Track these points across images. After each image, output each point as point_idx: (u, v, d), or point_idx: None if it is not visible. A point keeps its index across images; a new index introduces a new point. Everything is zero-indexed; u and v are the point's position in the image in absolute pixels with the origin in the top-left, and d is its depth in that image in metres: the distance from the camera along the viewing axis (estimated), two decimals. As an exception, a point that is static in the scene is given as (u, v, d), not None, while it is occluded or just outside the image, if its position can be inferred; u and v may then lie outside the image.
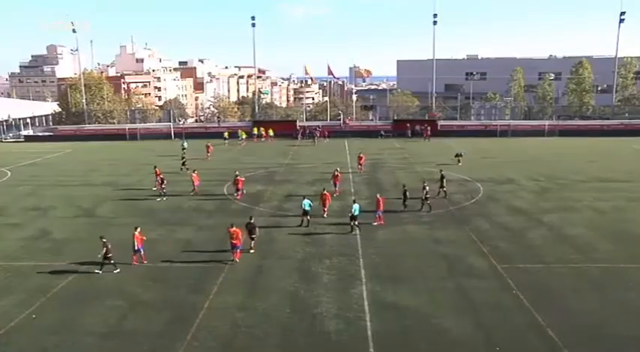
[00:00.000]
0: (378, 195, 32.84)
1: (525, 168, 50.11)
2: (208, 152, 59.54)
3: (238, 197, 38.79)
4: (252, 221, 27.83)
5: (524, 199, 37.97)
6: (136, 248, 25.94)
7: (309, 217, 31.53)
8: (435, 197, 36.81)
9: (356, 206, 30.62)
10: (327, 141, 73.44)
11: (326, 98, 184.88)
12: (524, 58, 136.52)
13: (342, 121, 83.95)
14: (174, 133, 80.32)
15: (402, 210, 34.42)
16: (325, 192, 33.99)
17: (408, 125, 77.50)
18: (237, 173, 40.43)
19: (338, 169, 40.99)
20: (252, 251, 27.11)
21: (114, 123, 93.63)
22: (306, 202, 31.30)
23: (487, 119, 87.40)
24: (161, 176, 40.36)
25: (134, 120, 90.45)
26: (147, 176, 47.35)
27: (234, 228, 26.24)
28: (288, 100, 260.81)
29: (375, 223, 31.66)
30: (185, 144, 53.48)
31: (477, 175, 46.53)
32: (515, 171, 48.27)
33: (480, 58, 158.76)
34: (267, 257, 26.88)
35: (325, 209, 33.35)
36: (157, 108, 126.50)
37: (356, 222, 30.32)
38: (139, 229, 26.37)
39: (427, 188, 34.77)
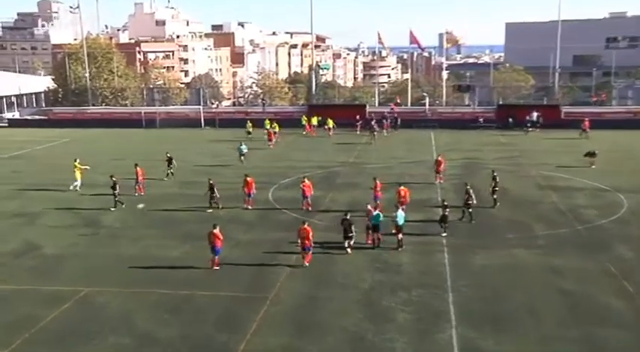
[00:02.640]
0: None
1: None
2: (270, 140, 64.96)
3: (248, 205, 39.54)
4: (347, 217, 30.88)
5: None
6: (217, 248, 28.47)
7: (380, 235, 31.80)
8: (492, 206, 38.76)
9: (400, 214, 31.51)
10: (395, 133, 73.38)
11: (406, 75, 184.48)
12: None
13: (391, 106, 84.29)
14: (204, 120, 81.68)
15: (461, 221, 35.46)
16: (369, 206, 33.57)
17: (515, 113, 76.81)
18: (246, 176, 40.44)
19: (375, 179, 39.77)
20: (349, 250, 30.53)
21: (126, 105, 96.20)
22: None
23: (637, 104, 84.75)
24: (212, 185, 40.02)
25: (152, 102, 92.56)
26: (166, 173, 48.82)
27: (305, 226, 29.18)
28: (355, 78, 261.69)
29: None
30: (244, 147, 54.17)
31: (617, 183, 45.86)
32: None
33: (629, 15, 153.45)
34: (324, 285, 27.13)
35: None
36: (183, 86, 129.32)
37: (400, 236, 31.33)
38: (218, 227, 28.84)
39: (471, 193, 36.12)
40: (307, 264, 28.98)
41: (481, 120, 77.74)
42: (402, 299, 25.47)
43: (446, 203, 34.43)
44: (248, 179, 40.06)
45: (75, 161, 46.31)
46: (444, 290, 26.28)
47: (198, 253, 31.04)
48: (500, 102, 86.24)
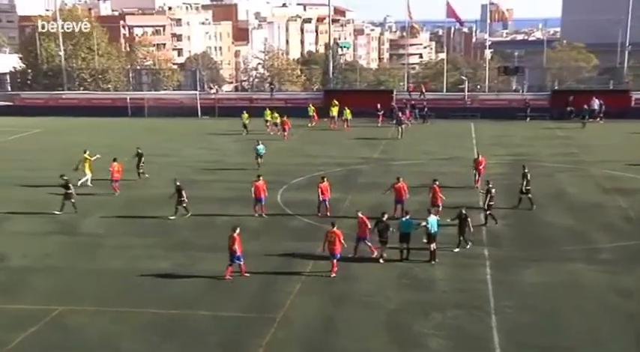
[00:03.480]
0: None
1: None
2: (285, 130, 66.12)
3: (260, 211, 39.62)
4: (384, 218, 31.36)
5: None
6: (237, 254, 28.96)
7: (407, 246, 31.84)
8: (515, 206, 39.74)
9: (432, 220, 31.54)
10: (424, 125, 73.87)
11: (441, 55, 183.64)
12: None
13: (415, 90, 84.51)
14: (201, 108, 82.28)
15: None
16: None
17: (572, 99, 76.59)
18: (258, 177, 40.12)
19: (400, 178, 39.51)
20: (381, 260, 31.20)
21: (108, 89, 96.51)
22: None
23: None
24: (180, 188, 40.18)
25: (139, 86, 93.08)
26: (156, 172, 50.03)
27: (334, 229, 29.77)
28: (380, 58, 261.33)
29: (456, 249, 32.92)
30: (261, 148, 53.28)
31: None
32: None
33: None
34: (342, 304, 27.12)
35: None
36: (176, 68, 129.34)
37: (433, 246, 31.43)
38: (238, 230, 29.35)
39: (493, 192, 36.70)
40: (334, 275, 29.47)
41: (528, 104, 77.62)
42: (435, 322, 25.30)
43: (464, 212, 33.13)
44: (258, 183, 39.29)
45: (84, 153, 46.76)
46: (485, 313, 26.08)
47: (193, 264, 31.33)
48: (556, 87, 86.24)
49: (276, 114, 69.96)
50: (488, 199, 36.67)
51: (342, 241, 29.94)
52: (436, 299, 27.45)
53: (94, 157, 47.27)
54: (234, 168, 52.88)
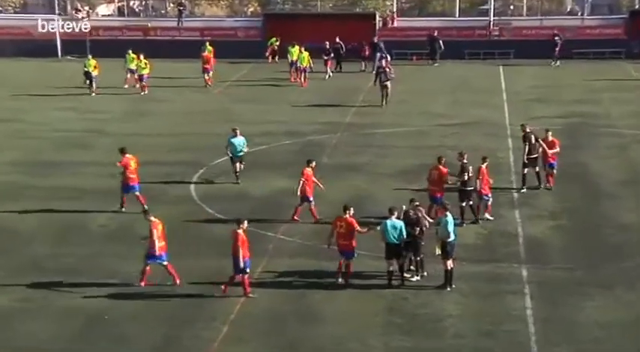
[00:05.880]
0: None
1: None
2: (207, 66, 70.87)
3: (314, 217, 39.16)
4: (417, 205, 32.08)
5: None
6: (242, 260, 29.89)
7: (396, 264, 31.71)
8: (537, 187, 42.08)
9: (448, 220, 31.35)
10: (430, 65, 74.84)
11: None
12: None
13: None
14: (63, 43, 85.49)
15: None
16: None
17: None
18: (311, 162, 40.01)
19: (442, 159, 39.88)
20: (416, 278, 31.77)
21: None
22: (392, 224, 31.45)
23: None
24: None
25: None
26: None
27: (347, 216, 31.26)
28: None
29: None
30: (241, 142, 47.35)
31: None
32: None
33: None
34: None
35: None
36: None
37: (450, 264, 31.10)
38: (245, 223, 30.61)
39: (470, 170, 37.74)
40: (341, 281, 31.08)
41: (558, 43, 78.01)
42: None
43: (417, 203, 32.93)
44: (307, 171, 39.12)
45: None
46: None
47: (46, 298, 30.71)
48: (637, 7, 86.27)
49: (145, 61, 71.18)
50: (461, 178, 37.36)
51: (361, 229, 31.05)
52: (446, 348, 26.90)
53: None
54: (118, 142, 51.60)
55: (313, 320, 28.63)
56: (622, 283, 31.09)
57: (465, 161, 37.70)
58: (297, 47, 75.15)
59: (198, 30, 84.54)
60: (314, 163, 39.62)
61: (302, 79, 73.50)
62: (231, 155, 45.74)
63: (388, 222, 31.20)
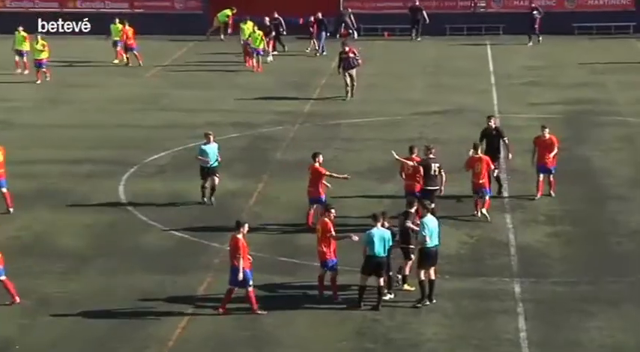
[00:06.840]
0: None
1: None
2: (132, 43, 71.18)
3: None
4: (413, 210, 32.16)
5: None
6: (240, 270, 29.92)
7: (377, 281, 31.24)
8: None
9: (425, 222, 31.49)
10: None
11: None
12: None
13: None
14: None
15: None
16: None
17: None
18: (317, 155, 40.26)
19: (478, 149, 40.72)
20: (387, 297, 31.58)
21: None
22: (381, 235, 31.36)
23: None
24: None
25: None
26: None
27: (327, 215, 31.91)
28: None
29: None
30: (212, 152, 46.23)
31: None
32: None
33: None
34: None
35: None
36: None
37: (431, 273, 31.45)
38: (247, 226, 30.70)
39: (435, 169, 38.86)
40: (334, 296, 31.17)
41: (536, 19, 78.42)
42: None
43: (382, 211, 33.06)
44: (315, 166, 39.59)
45: None
46: None
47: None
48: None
49: (43, 42, 71.43)
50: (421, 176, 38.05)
51: (334, 233, 31.39)
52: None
53: None
54: (29, 135, 52.35)
55: (267, 347, 28.49)
56: (631, 299, 31.07)
57: (431, 156, 38.26)
58: (249, 23, 75.50)
59: (126, 1, 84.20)
60: (321, 157, 39.35)
61: (255, 63, 73.29)
62: (205, 166, 43.83)
63: (375, 231, 30.98)
